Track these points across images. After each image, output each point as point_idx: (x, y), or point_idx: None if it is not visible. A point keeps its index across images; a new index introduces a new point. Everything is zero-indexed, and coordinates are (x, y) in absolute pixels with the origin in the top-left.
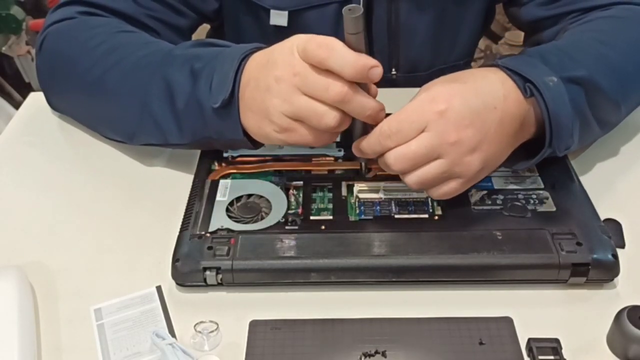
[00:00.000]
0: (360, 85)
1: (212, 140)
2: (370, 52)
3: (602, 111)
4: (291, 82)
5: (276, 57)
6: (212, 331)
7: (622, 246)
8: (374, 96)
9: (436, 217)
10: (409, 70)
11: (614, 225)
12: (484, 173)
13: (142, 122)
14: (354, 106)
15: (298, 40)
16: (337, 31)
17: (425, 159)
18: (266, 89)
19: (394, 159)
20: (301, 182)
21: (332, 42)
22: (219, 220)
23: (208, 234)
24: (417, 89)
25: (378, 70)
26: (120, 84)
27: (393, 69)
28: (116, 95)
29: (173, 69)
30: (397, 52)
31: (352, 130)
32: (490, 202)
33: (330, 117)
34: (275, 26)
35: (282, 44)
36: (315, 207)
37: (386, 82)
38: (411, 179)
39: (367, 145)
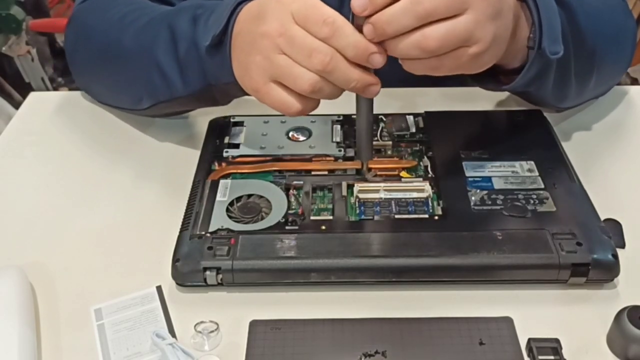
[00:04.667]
0: None
1: (211, 89)
2: None
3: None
4: (274, 41)
5: (267, 12)
6: (212, 331)
7: (622, 246)
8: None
9: (436, 218)
10: None
11: (614, 225)
12: (492, 52)
13: (151, 76)
14: (337, 76)
15: (296, 5)
16: None
17: (454, 7)
18: (251, 42)
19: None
20: (301, 182)
21: (337, 19)
22: (219, 220)
23: (208, 234)
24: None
25: (379, 58)
26: (134, 41)
27: None
28: (130, 53)
29: (178, 17)
30: None
31: (356, 130)
32: (490, 202)
33: (305, 80)
34: None
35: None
36: (315, 207)
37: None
38: (437, 31)
39: None
